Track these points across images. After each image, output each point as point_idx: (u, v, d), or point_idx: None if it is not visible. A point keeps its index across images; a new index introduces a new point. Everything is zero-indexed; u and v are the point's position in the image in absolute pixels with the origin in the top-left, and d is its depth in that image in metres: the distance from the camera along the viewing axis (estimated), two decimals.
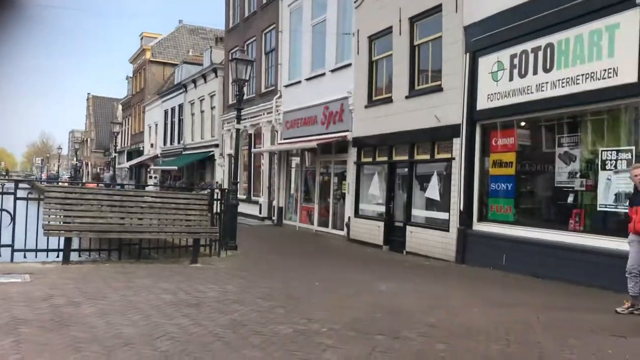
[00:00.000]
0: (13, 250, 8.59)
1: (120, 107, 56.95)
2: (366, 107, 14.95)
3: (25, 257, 8.77)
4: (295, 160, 19.81)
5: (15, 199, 8.77)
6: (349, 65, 15.93)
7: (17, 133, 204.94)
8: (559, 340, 5.15)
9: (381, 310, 6.15)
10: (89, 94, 78.42)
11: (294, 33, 19.68)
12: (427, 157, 12.73)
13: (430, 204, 12.71)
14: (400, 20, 13.45)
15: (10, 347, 4.15)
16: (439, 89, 12.29)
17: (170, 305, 5.92)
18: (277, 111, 20.36)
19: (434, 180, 12.47)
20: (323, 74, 17.43)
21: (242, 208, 16.44)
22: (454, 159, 11.65)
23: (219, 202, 11.08)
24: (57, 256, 8.83)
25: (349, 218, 15.62)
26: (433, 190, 12.49)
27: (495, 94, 10.76)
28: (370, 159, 15.06)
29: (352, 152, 15.61)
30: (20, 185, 12.14)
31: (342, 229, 16.04)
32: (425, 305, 6.66)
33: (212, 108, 28.74)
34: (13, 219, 8.64)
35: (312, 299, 6.69)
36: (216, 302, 6.19)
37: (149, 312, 5.51)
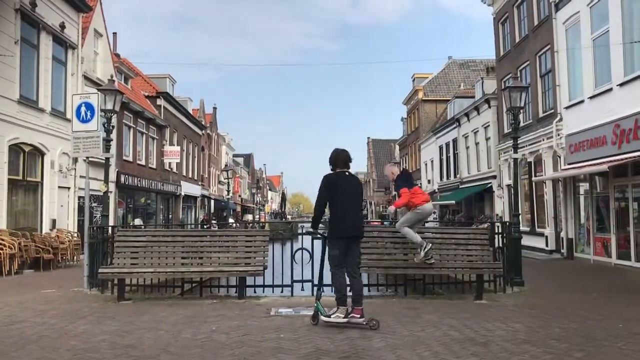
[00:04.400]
0: (313, 285, 9.67)
1: (397, 147, 60.06)
2: None
3: (323, 290, 9.75)
4: (584, 187, 18.16)
5: (313, 238, 9.84)
6: None
7: (308, 178, 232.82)
8: None
9: None
10: (368, 137, 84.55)
11: (571, 51, 18.36)
12: None
13: None
14: None
15: None
16: None
17: (457, 342, 5.86)
18: (559, 135, 19.06)
19: None
20: (610, 90, 15.76)
21: (526, 241, 15.64)
22: None
23: (500, 235, 10.71)
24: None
25: None
26: None
27: None
28: None
29: None
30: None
31: None
32: None
33: (487, 139, 28.31)
34: (312, 256, 9.79)
35: (616, 343, 5.91)
36: (504, 342, 5.91)
37: (436, 349, 5.54)
